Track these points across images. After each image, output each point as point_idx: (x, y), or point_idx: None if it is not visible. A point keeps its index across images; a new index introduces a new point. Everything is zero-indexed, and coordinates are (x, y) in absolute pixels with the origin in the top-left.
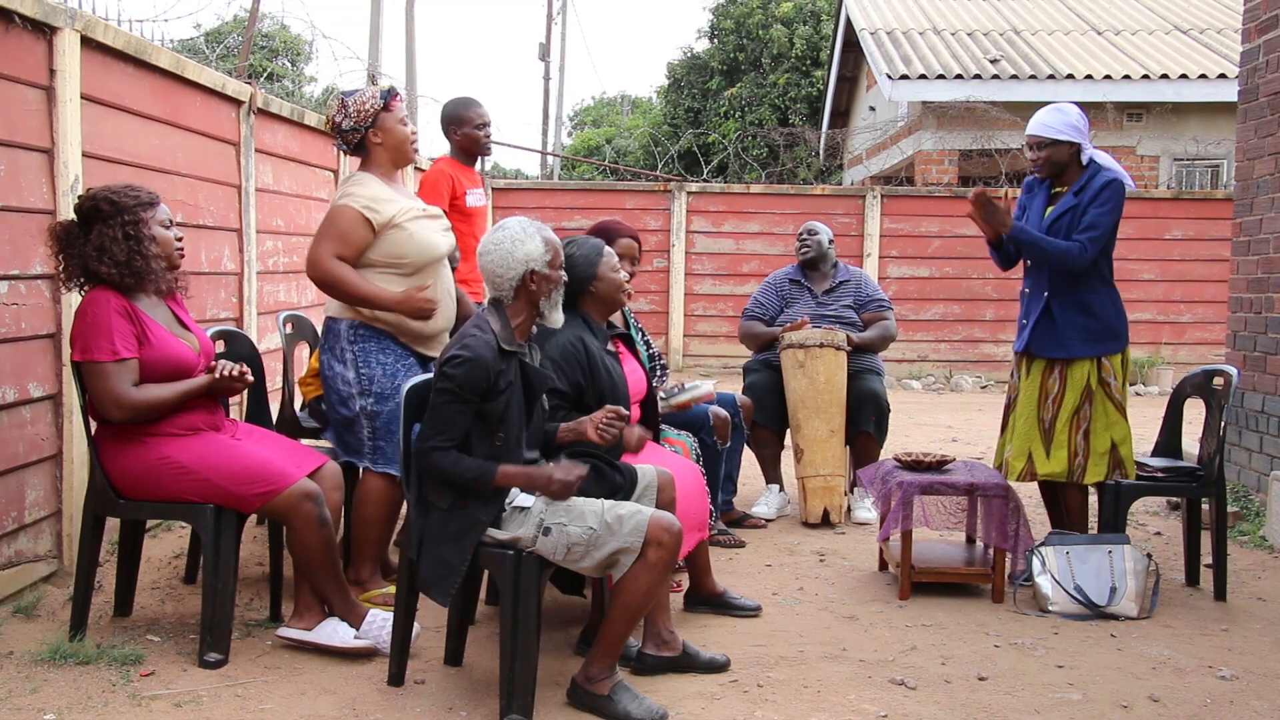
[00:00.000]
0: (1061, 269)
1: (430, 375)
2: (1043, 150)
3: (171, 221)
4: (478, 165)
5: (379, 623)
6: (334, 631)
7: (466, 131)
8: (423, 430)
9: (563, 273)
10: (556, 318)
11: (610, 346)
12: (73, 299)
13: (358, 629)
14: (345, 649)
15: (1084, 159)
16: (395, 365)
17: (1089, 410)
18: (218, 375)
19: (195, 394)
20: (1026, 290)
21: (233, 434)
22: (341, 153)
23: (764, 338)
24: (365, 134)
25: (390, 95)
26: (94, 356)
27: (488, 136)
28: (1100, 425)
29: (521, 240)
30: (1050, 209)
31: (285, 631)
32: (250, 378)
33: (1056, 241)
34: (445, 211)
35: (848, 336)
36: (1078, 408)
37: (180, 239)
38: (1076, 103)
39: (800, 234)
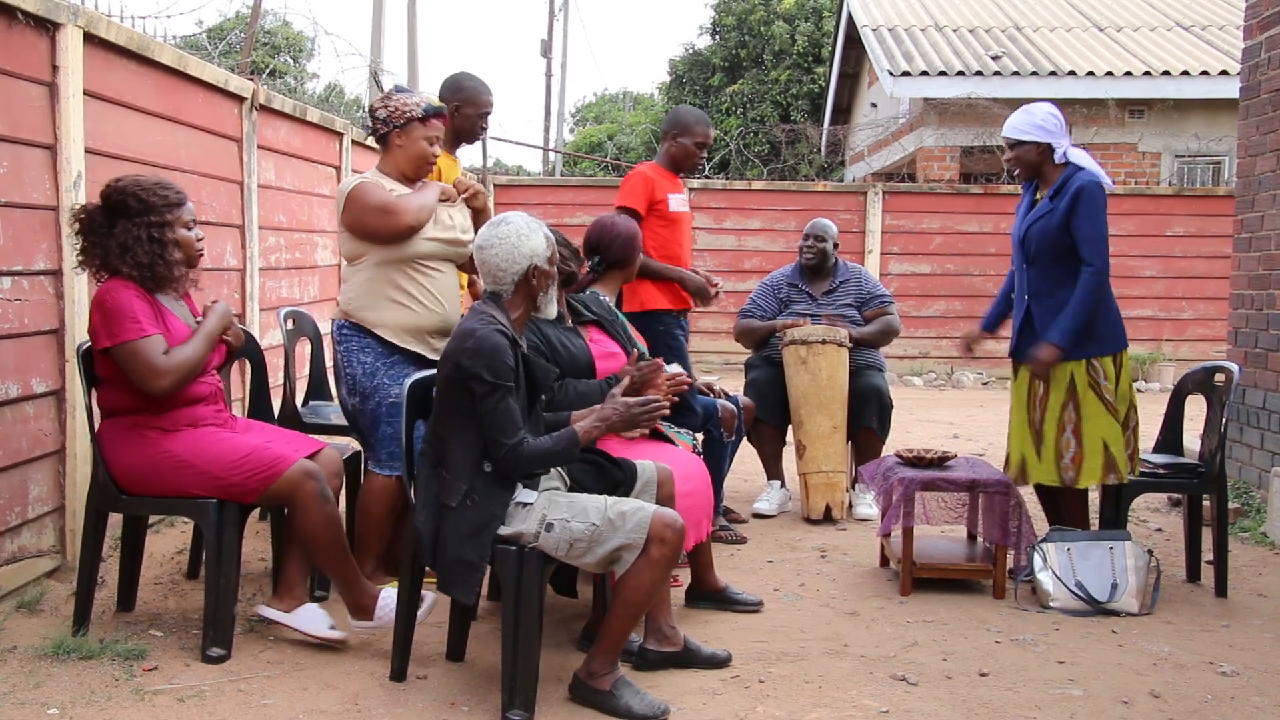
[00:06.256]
0: (1095, 294)
1: (431, 372)
2: (1013, 151)
3: (195, 221)
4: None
5: (392, 604)
6: (311, 619)
7: (684, 142)
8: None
9: (555, 268)
10: (551, 310)
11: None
12: (76, 295)
13: (371, 613)
14: (320, 638)
15: (1058, 158)
16: (375, 364)
17: (1075, 411)
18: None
19: (215, 336)
20: (1014, 294)
21: (233, 429)
22: (349, 146)
23: (760, 332)
24: (391, 132)
25: (434, 113)
26: (123, 337)
27: (703, 157)
28: (1091, 426)
29: (527, 235)
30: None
31: (265, 610)
32: (241, 337)
33: (1077, 297)
34: (643, 215)
35: (848, 333)
36: (1063, 407)
37: (201, 238)
38: (1078, 100)
39: (806, 236)
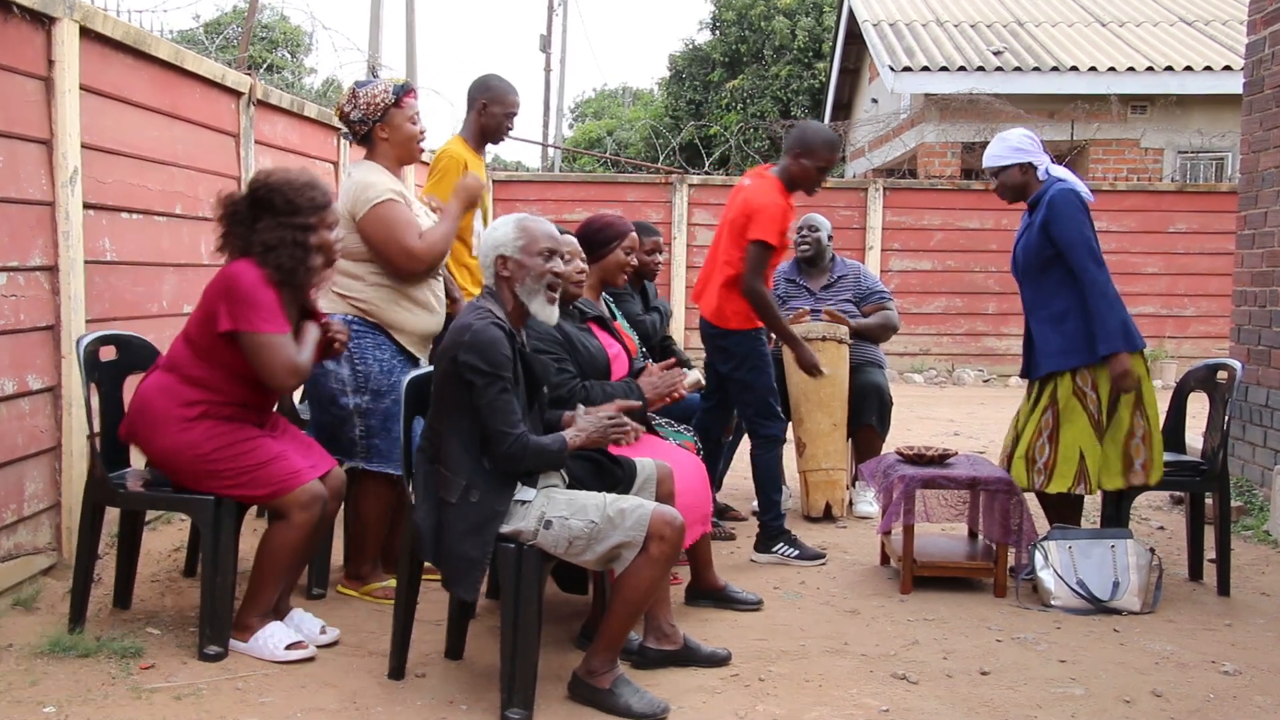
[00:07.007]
0: (1102, 289)
1: (428, 369)
2: (998, 179)
3: (336, 221)
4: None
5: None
6: (266, 644)
7: (806, 164)
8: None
9: (541, 260)
10: (545, 312)
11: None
12: (71, 291)
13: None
14: (275, 660)
15: (1040, 175)
16: (392, 362)
17: (1054, 418)
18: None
19: (314, 348)
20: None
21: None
22: (346, 142)
23: None
24: (373, 127)
25: (403, 91)
26: (263, 328)
27: (822, 180)
28: (1070, 434)
29: (496, 227)
30: None
31: (234, 645)
32: (344, 341)
33: (1090, 302)
34: (775, 247)
35: (849, 328)
36: (1043, 413)
37: (340, 238)
38: (1080, 95)
39: (800, 229)
